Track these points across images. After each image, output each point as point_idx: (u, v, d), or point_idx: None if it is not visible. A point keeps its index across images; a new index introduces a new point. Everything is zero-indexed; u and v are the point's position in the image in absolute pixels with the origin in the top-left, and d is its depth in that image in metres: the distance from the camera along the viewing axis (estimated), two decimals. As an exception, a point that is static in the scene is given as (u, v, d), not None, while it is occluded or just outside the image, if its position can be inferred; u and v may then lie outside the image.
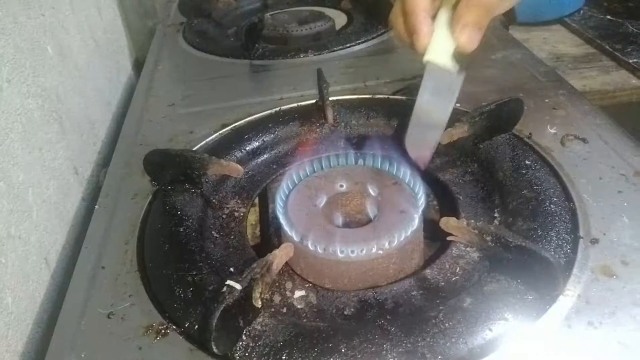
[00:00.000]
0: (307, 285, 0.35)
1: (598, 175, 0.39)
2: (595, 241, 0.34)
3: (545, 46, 0.88)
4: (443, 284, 0.34)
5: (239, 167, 0.40)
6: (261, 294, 0.29)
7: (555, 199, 0.37)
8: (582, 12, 0.94)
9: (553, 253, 0.33)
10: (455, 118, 0.42)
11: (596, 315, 0.30)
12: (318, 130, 0.47)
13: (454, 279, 0.34)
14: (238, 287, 0.28)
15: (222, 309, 0.27)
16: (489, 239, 0.32)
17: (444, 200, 0.42)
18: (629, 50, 0.82)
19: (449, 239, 0.34)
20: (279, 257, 0.32)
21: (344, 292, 0.34)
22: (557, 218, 0.35)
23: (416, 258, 0.37)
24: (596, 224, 0.35)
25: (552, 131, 0.44)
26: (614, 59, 0.82)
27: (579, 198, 0.37)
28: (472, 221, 0.34)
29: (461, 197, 0.41)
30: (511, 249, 0.31)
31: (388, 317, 0.31)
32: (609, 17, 0.92)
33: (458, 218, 0.38)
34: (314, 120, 0.47)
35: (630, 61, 0.79)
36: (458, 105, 0.45)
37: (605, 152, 0.42)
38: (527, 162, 0.40)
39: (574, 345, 0.29)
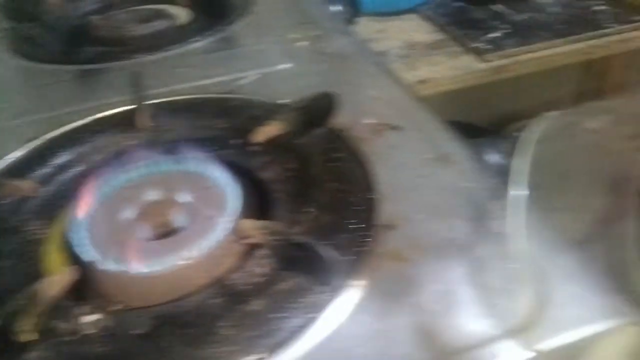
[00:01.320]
0: (100, 307, 0.33)
1: (404, 162, 0.41)
2: (391, 227, 0.35)
3: (400, 35, 0.90)
4: (245, 287, 0.33)
5: (33, 185, 0.37)
6: (26, 326, 0.27)
7: (358, 190, 0.37)
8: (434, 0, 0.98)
9: (344, 244, 0.33)
10: (270, 115, 0.42)
11: (384, 301, 0.31)
12: (135, 136, 0.45)
13: (255, 281, 0.34)
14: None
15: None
16: (275, 237, 0.32)
17: (261, 200, 0.41)
18: (474, 35, 0.86)
19: (244, 241, 0.34)
20: (53, 282, 0.30)
21: (143, 309, 0.33)
22: (356, 208, 0.36)
23: (227, 264, 0.36)
24: (394, 210, 0.36)
25: (369, 122, 0.45)
26: (461, 44, 0.86)
27: (382, 186, 0.38)
28: (265, 222, 0.33)
29: (277, 195, 0.40)
30: (295, 246, 0.31)
31: (178, 331, 0.30)
32: (458, 3, 0.96)
33: (272, 217, 0.38)
34: (131, 127, 0.45)
35: (474, 45, 0.84)
36: (279, 100, 0.45)
37: (415, 139, 0.43)
38: (337, 155, 0.41)
39: (362, 334, 0.29)
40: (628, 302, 0.26)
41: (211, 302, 0.33)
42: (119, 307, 0.33)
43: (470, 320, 0.29)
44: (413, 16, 0.96)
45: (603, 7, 0.93)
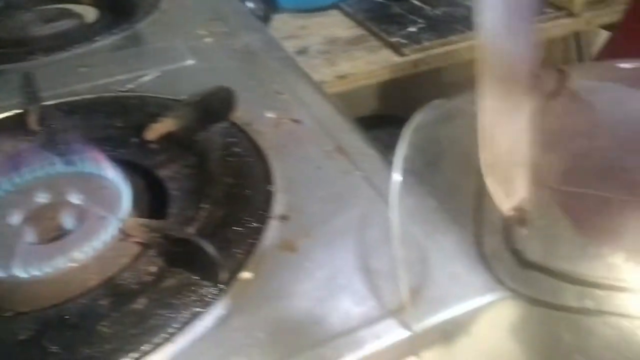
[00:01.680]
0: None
1: (303, 154, 0.41)
2: (285, 218, 0.35)
3: (321, 31, 0.91)
4: (133, 286, 0.33)
5: None
6: None
7: (255, 183, 0.38)
8: (355, -5, 0.99)
9: (235, 238, 0.33)
10: (155, 111, 0.41)
11: (267, 292, 0.31)
12: (27, 139, 0.43)
13: (143, 279, 0.33)
14: None
15: None
16: (158, 235, 0.31)
17: (158, 197, 0.41)
18: (392, 29, 0.88)
19: (130, 240, 0.33)
20: None
21: (30, 314, 0.32)
22: (251, 201, 0.36)
23: (116, 264, 0.35)
24: (290, 202, 0.37)
25: (270, 115, 0.45)
26: (380, 39, 0.87)
27: (280, 179, 0.38)
28: (150, 220, 0.33)
29: (174, 192, 0.40)
30: (180, 243, 0.30)
31: (62, 334, 0.30)
32: (377, -1, 0.98)
33: (168, 214, 0.37)
34: (24, 130, 0.43)
35: (393, 40, 0.85)
36: (172, 97, 0.45)
37: (315, 131, 0.43)
38: (237, 149, 0.41)
39: (247, 325, 0.29)
40: (501, 278, 0.27)
41: (98, 303, 0.32)
42: (8, 313, 0.32)
43: (353, 304, 0.30)
44: (335, 12, 0.97)
45: None
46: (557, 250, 0.26)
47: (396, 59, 0.82)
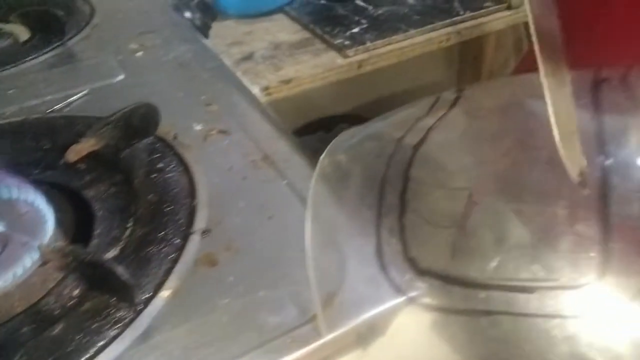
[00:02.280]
0: None
1: (230, 165, 0.41)
2: (206, 232, 0.35)
3: (266, 36, 0.91)
4: (53, 312, 0.33)
5: None
6: None
7: (177, 199, 0.38)
8: (300, -1, 0.99)
9: (155, 256, 0.33)
10: (82, 131, 0.41)
11: (186, 309, 0.31)
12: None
13: (63, 304, 0.33)
14: None
15: None
16: (70, 259, 0.31)
17: (84, 219, 0.40)
18: (336, 31, 0.88)
19: (49, 266, 0.33)
20: None
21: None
22: (173, 217, 0.36)
23: (37, 290, 0.35)
24: (213, 215, 0.37)
25: (198, 128, 0.45)
26: (324, 42, 0.87)
27: (204, 192, 0.38)
28: (66, 244, 0.33)
29: (100, 213, 0.40)
30: (92, 265, 0.30)
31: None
32: (322, 1, 0.98)
33: (92, 236, 0.37)
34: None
35: (337, 42, 0.86)
36: (100, 115, 0.44)
37: (243, 141, 0.43)
38: (161, 165, 0.40)
39: (167, 343, 0.29)
40: (398, 286, 0.28)
41: (20, 331, 0.32)
42: None
43: (271, 314, 0.30)
44: (280, 16, 0.97)
45: (457, -4, 0.98)
46: (449, 256, 0.27)
47: (340, 61, 0.83)
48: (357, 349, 0.30)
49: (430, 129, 0.30)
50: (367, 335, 0.30)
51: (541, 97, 0.25)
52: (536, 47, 0.23)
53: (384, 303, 0.29)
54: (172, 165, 0.41)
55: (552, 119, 0.23)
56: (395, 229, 0.28)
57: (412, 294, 0.27)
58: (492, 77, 1.32)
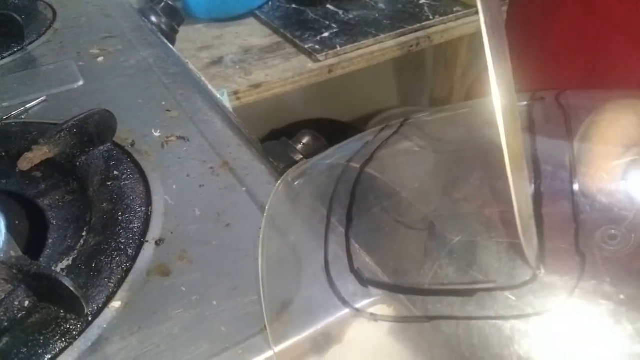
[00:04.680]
0: None
1: (187, 172, 0.41)
2: (160, 242, 0.35)
3: (236, 40, 0.91)
4: (5, 324, 0.32)
5: None
6: None
7: (132, 207, 0.37)
8: (271, 3, 0.99)
9: (107, 266, 0.33)
10: (37, 138, 0.40)
11: (138, 319, 0.30)
12: None
13: (11, 316, 0.32)
14: None
15: None
16: (15, 271, 0.30)
17: (40, 229, 0.40)
18: (307, 36, 0.89)
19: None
20: None
21: None
22: (128, 227, 0.36)
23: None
24: (168, 223, 0.36)
25: (157, 134, 0.44)
26: (295, 46, 0.88)
27: (160, 200, 0.38)
28: (8, 256, 0.32)
29: (55, 222, 0.39)
30: (34, 276, 0.30)
31: None
32: (293, 5, 0.98)
33: (46, 246, 0.36)
34: None
35: (307, 46, 0.86)
36: (58, 122, 0.43)
37: (202, 147, 0.43)
38: (116, 173, 0.40)
39: (116, 355, 0.29)
40: (344, 298, 0.28)
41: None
42: None
43: (223, 325, 0.30)
44: (251, 20, 0.97)
45: (427, 1, 0.99)
46: (391, 265, 0.27)
47: (310, 65, 0.83)
48: (313, 357, 0.30)
49: (375, 151, 0.30)
50: (322, 343, 0.30)
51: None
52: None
53: (332, 315, 0.29)
54: (129, 173, 0.40)
55: (515, 208, 0.23)
56: (342, 242, 0.28)
57: (358, 305, 0.27)
58: (464, 81, 1.33)
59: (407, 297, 0.27)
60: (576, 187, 0.25)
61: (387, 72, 1.14)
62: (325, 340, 0.30)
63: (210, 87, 0.56)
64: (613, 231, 0.24)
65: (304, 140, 0.46)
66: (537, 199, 0.24)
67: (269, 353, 0.29)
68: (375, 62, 0.88)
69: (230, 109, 0.71)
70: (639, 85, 0.38)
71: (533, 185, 0.25)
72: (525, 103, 0.31)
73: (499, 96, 0.22)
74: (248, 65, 0.83)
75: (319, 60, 0.83)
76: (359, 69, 0.87)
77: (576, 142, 0.27)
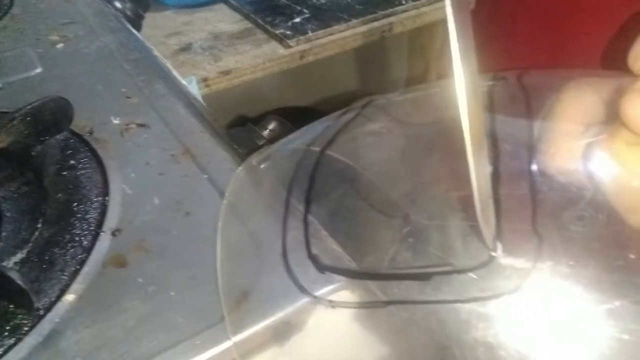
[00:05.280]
0: None
1: (147, 160, 0.39)
2: (117, 232, 0.34)
3: (206, 26, 0.89)
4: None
5: None
6: None
7: (89, 197, 0.36)
8: (241, -12, 0.97)
9: (60, 259, 0.31)
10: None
11: (92, 312, 0.29)
12: None
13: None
14: None
15: None
16: (-41, 265, 0.29)
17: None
18: (278, 21, 0.87)
19: None
20: None
21: None
22: (82, 217, 0.34)
23: None
24: (125, 213, 0.35)
25: (116, 122, 0.43)
26: (265, 31, 0.86)
27: (117, 190, 0.37)
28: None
29: (9, 214, 0.37)
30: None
31: None
32: (264, -10, 0.96)
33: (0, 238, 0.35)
34: None
35: (278, 32, 0.84)
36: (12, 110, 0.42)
37: (163, 135, 0.42)
38: (72, 162, 0.38)
39: (69, 349, 0.28)
40: (303, 285, 0.27)
41: None
42: None
43: (181, 316, 0.29)
44: (221, 6, 0.95)
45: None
46: (349, 251, 0.26)
47: (282, 51, 0.82)
48: (274, 346, 0.29)
49: (337, 133, 0.30)
50: (283, 332, 0.29)
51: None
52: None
53: (292, 303, 0.28)
54: (85, 162, 0.39)
55: (474, 188, 0.22)
56: (300, 228, 0.27)
57: (319, 292, 0.26)
58: (440, 66, 1.33)
59: (371, 283, 0.26)
60: (534, 167, 0.24)
61: (362, 59, 1.13)
62: (285, 330, 0.29)
63: (175, 73, 0.54)
64: (581, 212, 0.24)
65: (270, 126, 0.45)
66: (496, 179, 0.24)
67: (228, 343, 0.28)
68: (348, 48, 0.87)
69: (199, 97, 0.70)
70: (603, 65, 0.38)
71: (492, 166, 0.24)
72: (487, 84, 0.30)
73: (460, 74, 0.21)
74: (218, 51, 0.82)
75: (290, 46, 0.82)
76: (333, 55, 0.86)
77: (536, 122, 0.27)
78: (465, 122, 0.22)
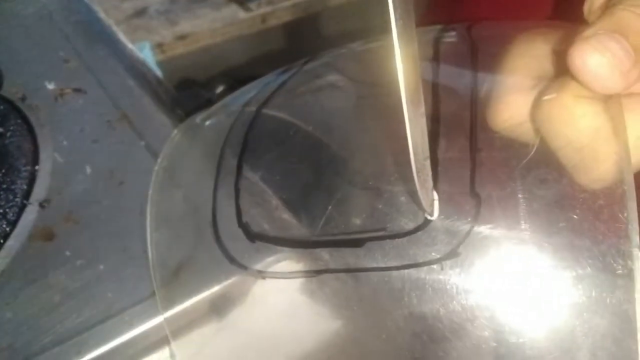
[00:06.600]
0: None
1: (81, 127, 0.37)
2: (45, 203, 0.32)
3: (163, -11, 0.85)
4: None
5: None
6: None
7: (16, 166, 0.33)
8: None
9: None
10: None
11: (15, 288, 0.28)
12: None
13: None
14: None
15: None
16: None
17: None
18: (238, -17, 0.83)
19: None
20: None
21: None
22: (10, 187, 0.32)
23: None
24: (55, 183, 0.33)
25: (51, 87, 0.40)
26: (225, -6, 0.82)
27: (48, 158, 0.34)
28: None
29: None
30: None
31: None
32: (225, -48, 0.92)
33: None
34: None
35: (238, -6, 0.81)
36: None
37: (100, 100, 0.39)
38: (1, 130, 0.36)
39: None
40: (233, 256, 0.25)
41: None
42: None
43: (110, 291, 0.27)
44: (179, -32, 0.90)
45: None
46: (281, 218, 0.25)
47: (242, 14, 0.78)
48: (213, 321, 0.28)
49: (274, 92, 0.27)
50: (221, 306, 0.27)
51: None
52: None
53: (226, 276, 0.26)
54: (15, 130, 0.36)
55: (410, 147, 0.20)
56: (231, 194, 0.25)
57: (247, 263, 0.24)
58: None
59: (304, 251, 0.25)
60: (478, 123, 0.23)
61: (329, 24, 1.09)
62: (223, 303, 0.28)
63: (122, 36, 0.51)
64: (522, 172, 0.22)
65: (218, 90, 0.43)
66: (435, 138, 0.22)
67: (159, 319, 0.26)
68: (313, 11, 0.84)
69: (153, 63, 0.67)
70: (556, 16, 0.36)
71: (432, 124, 0.23)
72: (434, 36, 0.28)
73: (394, 24, 0.19)
74: (174, 15, 0.78)
75: (251, 10, 0.79)
76: (296, 19, 0.83)
77: (483, 76, 0.25)
78: (401, 77, 0.20)
